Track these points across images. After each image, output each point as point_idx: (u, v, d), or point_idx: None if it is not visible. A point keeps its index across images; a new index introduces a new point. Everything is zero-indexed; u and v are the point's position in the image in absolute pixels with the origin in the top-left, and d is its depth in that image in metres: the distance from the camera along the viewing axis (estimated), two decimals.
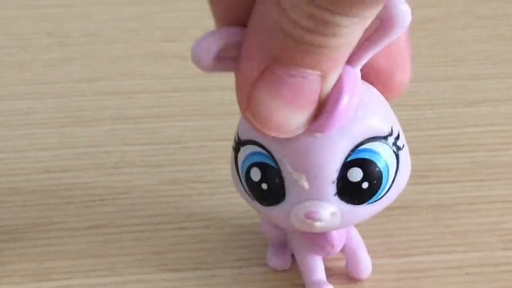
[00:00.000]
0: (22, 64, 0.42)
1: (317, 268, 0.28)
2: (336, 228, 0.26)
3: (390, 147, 0.25)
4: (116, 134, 0.36)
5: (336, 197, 0.25)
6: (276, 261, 0.29)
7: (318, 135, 0.24)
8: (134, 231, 0.31)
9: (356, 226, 0.30)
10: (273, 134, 0.24)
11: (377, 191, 0.25)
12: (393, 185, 0.26)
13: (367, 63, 0.24)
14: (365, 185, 0.25)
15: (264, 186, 0.25)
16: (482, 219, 0.31)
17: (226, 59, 0.24)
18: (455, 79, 0.40)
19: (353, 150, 0.25)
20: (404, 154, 0.26)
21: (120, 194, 0.32)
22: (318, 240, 0.27)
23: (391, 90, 0.26)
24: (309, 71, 0.23)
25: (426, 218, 0.31)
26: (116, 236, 0.30)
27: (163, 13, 0.47)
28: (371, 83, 0.26)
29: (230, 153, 0.26)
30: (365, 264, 0.28)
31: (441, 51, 0.43)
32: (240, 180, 0.26)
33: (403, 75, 0.26)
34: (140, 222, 0.31)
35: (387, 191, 0.25)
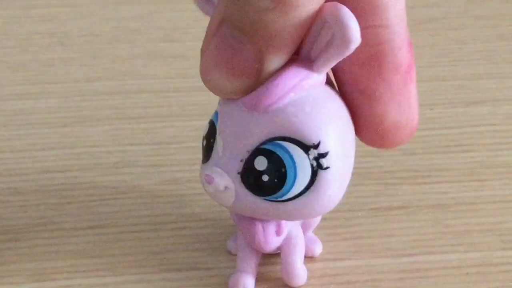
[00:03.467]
0: (22, 64, 0.42)
1: (248, 258, 0.28)
2: (235, 209, 0.26)
3: (308, 159, 0.25)
4: (116, 134, 0.36)
5: (238, 176, 0.25)
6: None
7: (246, 110, 0.25)
8: (134, 231, 0.31)
9: (355, 226, 0.30)
10: (210, 90, 0.25)
11: (275, 191, 0.25)
12: (300, 199, 0.25)
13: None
14: (265, 177, 0.25)
15: (204, 142, 0.26)
16: (482, 219, 0.31)
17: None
18: (455, 79, 0.40)
19: (270, 140, 0.25)
20: (329, 177, 0.25)
21: (120, 194, 0.32)
22: (248, 226, 0.27)
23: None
24: (248, 39, 0.24)
25: (426, 218, 0.31)
26: (116, 236, 0.30)
27: (163, 13, 0.47)
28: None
29: None
30: (294, 272, 0.27)
31: (441, 51, 0.43)
32: None
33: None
34: (140, 222, 0.31)
35: (288, 199, 0.25)
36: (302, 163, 0.25)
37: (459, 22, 0.46)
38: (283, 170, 0.25)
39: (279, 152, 0.25)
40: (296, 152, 0.25)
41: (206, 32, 0.25)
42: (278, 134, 0.25)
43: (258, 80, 0.25)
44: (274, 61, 0.24)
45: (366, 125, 0.26)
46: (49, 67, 0.42)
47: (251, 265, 0.28)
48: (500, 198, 0.32)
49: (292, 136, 0.25)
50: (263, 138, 0.25)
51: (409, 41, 0.26)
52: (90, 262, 0.29)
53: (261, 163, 0.25)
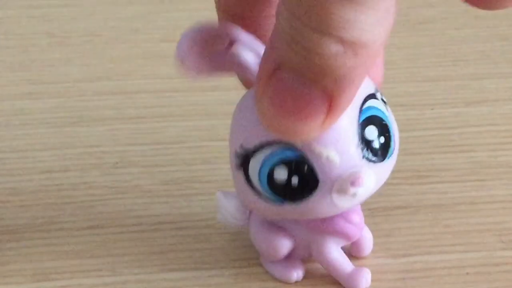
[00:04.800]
0: (22, 64, 0.42)
1: (344, 259, 0.28)
2: (370, 194, 0.26)
3: (381, 101, 0.26)
4: (116, 134, 0.36)
5: (364, 160, 0.25)
6: (297, 271, 0.28)
7: None
8: (134, 231, 0.31)
9: None
10: (283, 137, 0.24)
11: (390, 144, 0.26)
12: (395, 138, 0.26)
13: None
14: (382, 139, 0.26)
15: (295, 180, 0.25)
16: (482, 219, 0.31)
17: (212, 57, 0.24)
18: (455, 79, 0.40)
19: (360, 111, 0.25)
20: (390, 110, 0.27)
21: (120, 194, 0.32)
22: (340, 225, 0.27)
23: None
24: (315, 84, 0.23)
25: (426, 218, 0.31)
26: (116, 236, 0.30)
27: (163, 13, 0.47)
28: None
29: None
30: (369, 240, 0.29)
31: (441, 51, 0.43)
32: (259, 193, 0.26)
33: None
34: (140, 222, 0.31)
35: (395, 143, 0.26)
36: (383, 107, 0.26)
37: (459, 22, 0.46)
38: (384, 122, 0.26)
39: (373, 112, 0.26)
40: (376, 102, 0.26)
41: (257, 79, 0.24)
42: (360, 101, 0.25)
43: (332, 118, 0.23)
44: (345, 101, 0.23)
45: None
46: (49, 67, 0.42)
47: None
48: (500, 198, 0.32)
49: (366, 94, 0.26)
50: (357, 113, 0.25)
51: None
52: (90, 262, 0.29)
53: (371, 132, 0.26)
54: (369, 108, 0.26)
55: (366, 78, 0.25)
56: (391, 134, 0.26)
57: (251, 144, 0.25)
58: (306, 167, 0.25)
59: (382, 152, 0.26)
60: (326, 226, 0.27)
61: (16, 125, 0.37)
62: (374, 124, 0.26)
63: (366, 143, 0.25)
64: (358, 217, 0.27)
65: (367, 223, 0.30)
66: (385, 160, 0.26)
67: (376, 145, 0.26)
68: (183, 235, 0.30)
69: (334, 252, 0.28)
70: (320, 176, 0.25)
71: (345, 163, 0.25)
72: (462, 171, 0.33)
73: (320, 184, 0.25)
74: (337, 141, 0.25)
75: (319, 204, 0.26)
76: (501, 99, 0.38)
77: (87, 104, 0.38)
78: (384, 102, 0.26)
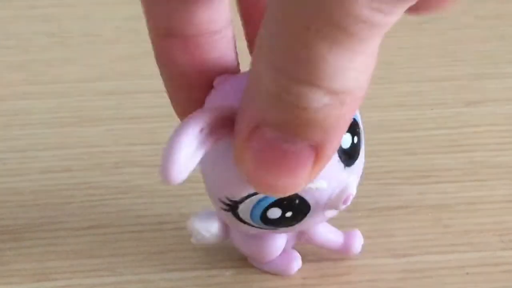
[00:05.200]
0: (22, 64, 0.42)
1: (334, 230, 0.28)
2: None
3: None
4: (116, 134, 0.36)
5: (346, 168, 0.25)
6: (296, 262, 0.28)
7: None
8: (134, 231, 0.31)
9: (355, 226, 0.30)
10: (270, 195, 0.24)
11: (360, 138, 0.26)
12: (361, 126, 0.26)
13: None
14: (355, 139, 0.25)
15: (289, 214, 0.25)
16: (482, 219, 0.31)
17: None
18: (455, 79, 0.40)
19: None
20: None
21: (120, 194, 0.32)
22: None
23: None
24: (300, 139, 0.22)
25: (426, 218, 0.31)
26: (116, 236, 0.30)
27: None
28: None
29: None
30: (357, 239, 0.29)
31: (441, 51, 0.43)
32: (250, 224, 0.26)
33: None
34: (140, 222, 0.31)
35: (362, 132, 0.26)
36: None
37: (459, 22, 0.46)
38: (357, 130, 0.26)
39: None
40: None
41: (235, 142, 0.23)
42: None
43: (319, 168, 0.23)
44: (332, 149, 0.22)
45: None
46: (49, 67, 0.42)
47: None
48: (500, 198, 0.32)
49: None
50: None
51: None
52: (90, 262, 0.29)
53: (346, 139, 0.25)
54: None
55: None
56: (360, 127, 0.26)
57: (237, 196, 0.25)
58: (297, 201, 0.25)
59: (356, 151, 0.26)
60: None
61: (16, 125, 0.37)
62: (348, 131, 0.25)
63: (343, 152, 0.25)
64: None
65: (367, 223, 0.30)
66: (360, 156, 0.26)
67: (351, 149, 0.25)
68: (183, 235, 0.30)
69: (322, 229, 0.28)
70: (312, 202, 0.25)
71: (332, 183, 0.25)
72: (462, 171, 0.33)
73: (312, 208, 0.25)
74: (323, 171, 0.24)
75: (311, 221, 0.26)
76: (501, 99, 0.38)
77: (87, 104, 0.38)
78: None
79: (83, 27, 0.45)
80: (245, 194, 0.25)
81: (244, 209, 0.25)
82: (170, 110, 0.38)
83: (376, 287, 0.28)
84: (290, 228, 0.26)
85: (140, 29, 0.46)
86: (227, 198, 0.25)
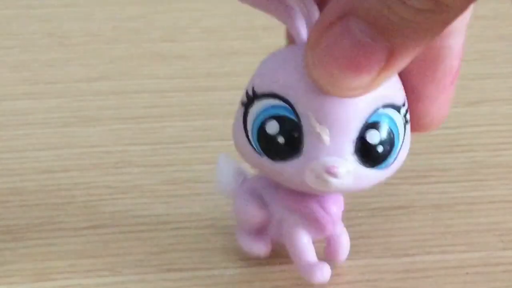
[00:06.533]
0: (22, 64, 0.42)
1: (310, 249, 0.28)
2: (345, 190, 0.26)
3: (402, 117, 0.26)
4: (116, 134, 0.36)
5: (352, 157, 0.25)
6: (261, 246, 0.28)
7: None
8: (134, 231, 0.31)
9: (355, 226, 0.30)
10: (321, 87, 0.24)
11: (387, 157, 0.26)
12: (398, 155, 0.26)
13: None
14: (380, 148, 0.26)
15: (281, 139, 0.26)
16: (482, 219, 0.31)
17: None
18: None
19: (373, 113, 0.25)
20: (408, 129, 0.27)
21: (120, 194, 0.32)
22: (313, 208, 0.27)
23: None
24: (383, 38, 0.22)
25: (426, 218, 0.31)
26: (116, 236, 0.30)
27: (163, 13, 0.47)
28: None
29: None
30: (346, 246, 0.29)
31: None
32: (247, 136, 0.26)
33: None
34: (140, 222, 0.31)
35: (394, 159, 0.26)
36: (399, 122, 0.26)
37: None
38: (391, 135, 0.26)
39: (385, 120, 0.26)
40: (394, 114, 0.26)
41: (316, 26, 0.23)
42: (379, 104, 0.25)
43: (386, 74, 0.23)
44: (403, 60, 0.22)
45: None
46: (49, 67, 0.42)
47: (314, 254, 0.28)
48: (500, 198, 0.32)
49: (389, 103, 0.26)
50: (368, 113, 0.25)
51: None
52: (90, 262, 0.29)
53: (374, 136, 0.25)
54: (384, 115, 0.26)
55: (401, 92, 0.26)
56: (394, 150, 0.26)
57: (260, 89, 0.26)
58: (296, 133, 0.25)
59: (373, 159, 0.26)
60: (299, 205, 0.27)
61: (16, 125, 0.37)
62: (380, 131, 0.26)
63: (363, 143, 0.25)
64: (335, 208, 0.27)
65: (367, 223, 0.30)
66: (374, 168, 0.26)
67: (371, 150, 0.26)
68: (183, 235, 0.30)
69: (303, 238, 0.27)
70: (305, 147, 0.25)
71: (332, 148, 0.25)
72: (462, 171, 0.33)
73: (302, 155, 0.25)
74: (334, 125, 0.25)
75: (293, 172, 0.26)
76: (501, 99, 0.38)
77: (87, 104, 0.38)
78: (406, 121, 0.26)
79: (83, 27, 0.45)
80: (267, 89, 0.26)
81: (254, 111, 0.26)
82: (170, 110, 0.38)
83: (376, 287, 0.28)
84: (272, 165, 0.26)
85: (140, 29, 0.46)
86: (253, 89, 0.26)
